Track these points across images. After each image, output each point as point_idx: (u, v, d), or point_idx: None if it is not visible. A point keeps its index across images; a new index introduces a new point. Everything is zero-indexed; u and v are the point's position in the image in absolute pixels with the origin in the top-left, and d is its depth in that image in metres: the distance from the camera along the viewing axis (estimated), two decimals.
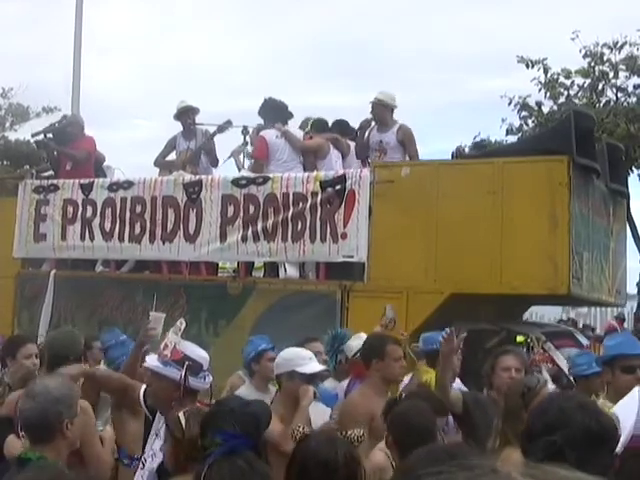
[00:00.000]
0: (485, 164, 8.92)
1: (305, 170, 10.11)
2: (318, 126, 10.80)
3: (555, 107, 21.80)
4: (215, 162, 11.25)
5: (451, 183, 8.80)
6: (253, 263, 10.23)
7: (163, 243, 10.25)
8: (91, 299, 10.11)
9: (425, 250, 8.82)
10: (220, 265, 10.75)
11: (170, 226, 10.21)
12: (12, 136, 29.15)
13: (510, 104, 22.05)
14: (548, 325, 9.79)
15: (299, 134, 10.56)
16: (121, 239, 10.54)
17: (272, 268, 10.08)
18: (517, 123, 22.41)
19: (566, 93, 21.83)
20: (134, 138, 45.43)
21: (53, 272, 10.87)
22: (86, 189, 10.83)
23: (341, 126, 10.77)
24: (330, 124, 10.85)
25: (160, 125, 46.26)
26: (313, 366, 5.57)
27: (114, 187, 10.66)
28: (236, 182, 9.90)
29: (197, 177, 10.33)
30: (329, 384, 6.88)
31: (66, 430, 4.00)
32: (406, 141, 10.06)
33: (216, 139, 11.11)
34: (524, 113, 22.29)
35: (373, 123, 10.30)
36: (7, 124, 29.49)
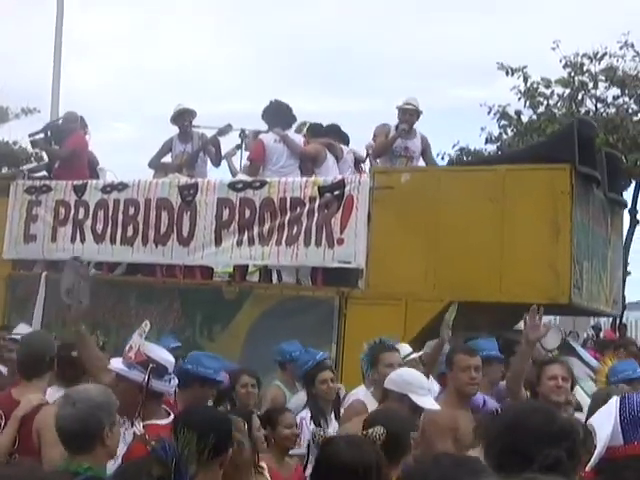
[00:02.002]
0: (487, 171, 8.90)
1: (302, 176, 10.00)
2: (314, 130, 10.66)
3: (534, 116, 21.88)
4: (218, 161, 11.09)
5: (452, 190, 8.74)
6: (248, 267, 10.12)
7: (156, 246, 10.08)
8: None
9: (425, 257, 8.77)
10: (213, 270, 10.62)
11: (163, 229, 10.04)
12: None
13: (490, 113, 22.13)
14: None
15: (299, 139, 10.34)
16: (113, 241, 10.36)
17: (267, 273, 9.99)
18: (496, 132, 22.50)
19: (546, 102, 21.91)
20: (113, 140, 45.38)
21: (44, 274, 10.67)
22: (79, 190, 10.64)
23: (333, 131, 10.66)
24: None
25: (139, 128, 46.25)
26: (428, 401, 5.19)
27: (107, 189, 10.48)
28: (232, 186, 9.76)
29: (193, 180, 10.19)
30: (360, 389, 6.72)
31: (106, 438, 3.81)
32: (428, 149, 10.10)
33: None
34: (503, 122, 22.34)
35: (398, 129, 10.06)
36: None
